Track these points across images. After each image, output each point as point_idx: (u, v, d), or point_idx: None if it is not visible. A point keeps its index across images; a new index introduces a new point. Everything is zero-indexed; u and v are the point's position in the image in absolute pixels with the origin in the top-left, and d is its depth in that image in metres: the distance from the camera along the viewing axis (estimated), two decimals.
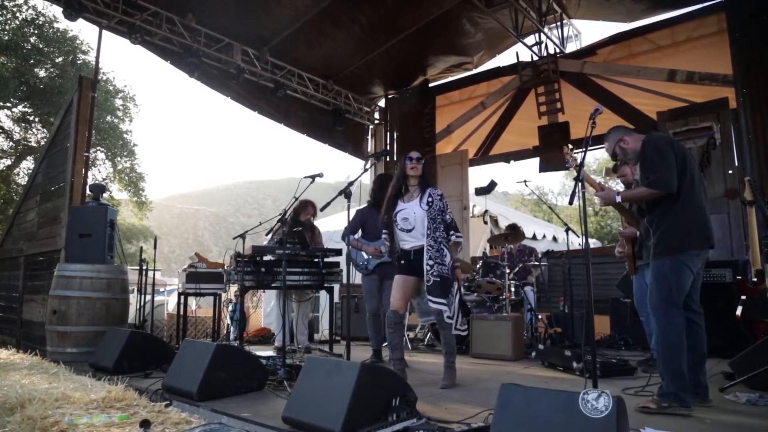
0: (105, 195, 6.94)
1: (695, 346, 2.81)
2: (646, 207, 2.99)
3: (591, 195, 3.10)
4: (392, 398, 2.43)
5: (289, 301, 5.43)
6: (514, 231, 6.43)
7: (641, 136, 3.04)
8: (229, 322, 7.61)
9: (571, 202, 2.83)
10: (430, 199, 3.58)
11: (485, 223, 8.93)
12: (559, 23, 7.84)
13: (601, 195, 3.04)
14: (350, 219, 5.12)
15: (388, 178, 4.69)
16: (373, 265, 4.70)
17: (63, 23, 14.90)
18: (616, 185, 3.84)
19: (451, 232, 3.58)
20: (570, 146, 3.43)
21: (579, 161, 2.86)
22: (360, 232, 4.76)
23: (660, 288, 2.82)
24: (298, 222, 5.47)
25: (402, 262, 3.69)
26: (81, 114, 5.50)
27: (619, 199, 2.96)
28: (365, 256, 4.71)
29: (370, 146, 9.71)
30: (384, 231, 3.80)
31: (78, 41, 15.32)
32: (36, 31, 14.46)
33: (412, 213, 3.61)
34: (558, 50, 7.75)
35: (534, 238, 9.66)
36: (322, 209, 3.84)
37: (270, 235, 5.01)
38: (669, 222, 2.84)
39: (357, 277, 6.56)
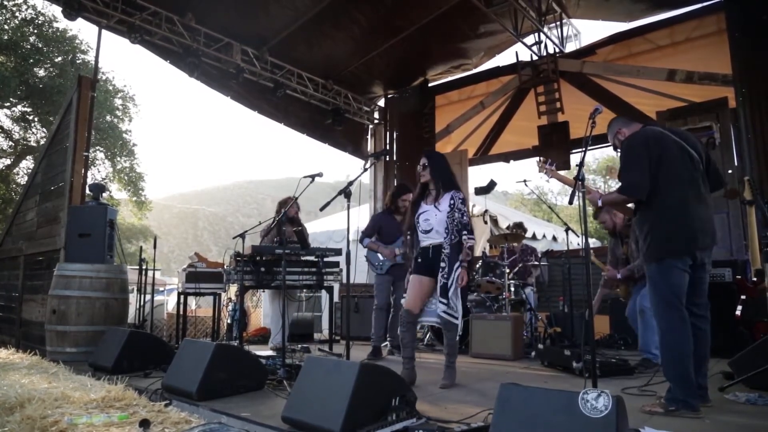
0: (104, 195, 6.94)
1: (695, 349, 2.74)
2: (634, 209, 2.96)
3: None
4: (392, 398, 2.42)
5: (277, 300, 5.42)
6: (521, 229, 6.45)
7: (638, 126, 3.02)
8: (229, 321, 7.60)
9: (570, 202, 2.82)
10: (452, 202, 3.61)
11: (485, 222, 8.93)
12: (558, 23, 7.84)
13: (588, 198, 3.03)
14: (368, 223, 5.29)
15: (405, 187, 5.12)
16: (387, 267, 5.00)
17: (62, 23, 14.92)
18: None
19: (464, 233, 3.59)
20: (542, 159, 3.48)
21: (579, 161, 2.85)
22: (376, 235, 5.08)
23: (655, 292, 2.80)
24: (289, 219, 5.44)
25: (419, 260, 3.70)
26: (80, 114, 5.50)
27: (600, 203, 2.95)
28: (380, 258, 5.02)
29: (370, 146, 9.71)
30: (408, 232, 3.85)
31: (77, 41, 15.35)
32: (35, 31, 14.46)
33: (433, 215, 3.65)
34: (557, 50, 7.76)
35: (534, 237, 9.66)
36: (321, 209, 3.84)
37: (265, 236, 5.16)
38: (648, 227, 2.81)
39: (358, 277, 6.61)
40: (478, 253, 8.51)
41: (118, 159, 17.44)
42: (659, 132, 2.92)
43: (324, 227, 9.93)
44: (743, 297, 4.20)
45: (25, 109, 15.56)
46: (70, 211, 5.24)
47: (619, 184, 2.88)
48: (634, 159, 2.79)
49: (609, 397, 1.77)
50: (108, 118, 16.29)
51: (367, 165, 9.47)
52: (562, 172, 3.97)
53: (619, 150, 3.11)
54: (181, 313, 5.63)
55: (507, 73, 8.37)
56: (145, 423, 2.43)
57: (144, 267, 5.83)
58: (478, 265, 6.19)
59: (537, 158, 3.51)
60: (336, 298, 6.38)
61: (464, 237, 3.57)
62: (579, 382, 3.40)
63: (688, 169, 2.83)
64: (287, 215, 5.19)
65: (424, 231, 3.68)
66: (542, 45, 7.67)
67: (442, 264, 3.52)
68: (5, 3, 13.70)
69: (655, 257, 2.77)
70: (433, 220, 3.63)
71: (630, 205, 3.20)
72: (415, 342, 3.80)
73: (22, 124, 15.94)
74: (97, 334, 4.61)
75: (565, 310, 5.73)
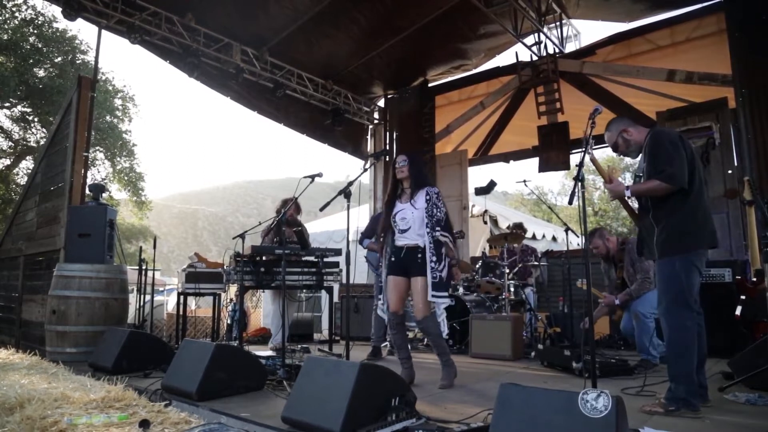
0: (104, 195, 6.93)
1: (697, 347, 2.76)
2: (652, 203, 2.89)
3: (593, 191, 3.06)
4: (391, 398, 2.43)
5: (279, 300, 5.42)
6: (521, 229, 6.45)
7: (645, 129, 3.01)
8: (228, 321, 7.60)
9: (570, 202, 2.81)
10: (428, 197, 3.61)
11: (485, 223, 8.93)
12: (558, 23, 7.84)
13: (610, 187, 2.97)
14: (367, 224, 5.28)
15: None
16: None
17: (62, 23, 14.91)
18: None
19: (437, 229, 3.57)
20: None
21: (579, 161, 2.84)
22: (375, 237, 5.01)
23: (670, 289, 2.78)
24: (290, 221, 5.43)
25: (392, 258, 3.69)
26: (80, 114, 5.50)
27: (628, 193, 2.89)
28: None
29: (370, 146, 9.71)
30: (381, 234, 3.82)
31: (77, 41, 15.33)
32: (35, 31, 14.45)
33: (409, 213, 3.63)
34: (557, 50, 7.75)
35: (534, 237, 9.67)
36: (321, 209, 3.84)
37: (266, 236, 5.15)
38: (678, 219, 2.79)
39: (357, 278, 6.58)
40: (478, 253, 8.52)
41: (118, 159, 17.43)
42: (682, 135, 2.96)
43: (324, 227, 9.93)
44: (743, 297, 4.20)
45: (25, 109, 15.55)
46: (69, 211, 5.24)
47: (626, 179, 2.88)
48: (676, 152, 2.79)
49: (609, 397, 1.77)
50: (108, 118, 16.27)
51: (367, 165, 9.47)
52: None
53: (619, 149, 3.09)
54: (181, 313, 5.63)
55: (507, 74, 8.37)
56: (144, 423, 2.43)
57: (144, 267, 5.83)
58: (477, 266, 6.20)
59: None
60: (336, 299, 6.38)
61: (437, 233, 3.55)
62: (579, 382, 3.40)
63: (702, 173, 2.89)
64: (286, 216, 5.18)
65: (402, 230, 3.65)
66: (542, 45, 7.67)
67: (434, 259, 3.49)
68: (5, 3, 13.69)
69: (681, 250, 2.76)
70: (410, 219, 3.62)
71: (633, 204, 3.18)
72: (407, 342, 3.81)
73: (22, 124, 15.94)
74: (96, 335, 4.60)
75: (564, 311, 5.73)
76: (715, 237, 2.84)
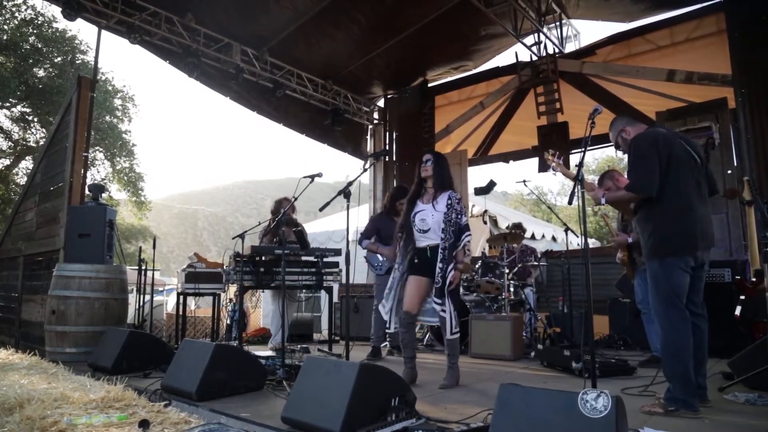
0: (104, 195, 6.93)
1: (695, 348, 2.74)
2: (634, 207, 2.96)
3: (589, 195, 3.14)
4: (391, 398, 2.42)
5: (279, 300, 5.41)
6: (520, 229, 6.45)
7: (643, 126, 3.03)
8: (228, 322, 7.60)
9: (570, 202, 2.83)
10: (449, 202, 3.61)
11: (485, 223, 8.93)
12: (558, 23, 7.84)
13: (590, 195, 3.04)
14: (366, 225, 5.27)
15: (403, 189, 5.04)
16: (387, 267, 4.94)
17: (62, 23, 14.92)
18: None
19: (463, 236, 3.58)
20: (551, 151, 3.45)
21: (579, 161, 2.85)
22: (374, 237, 5.05)
23: (657, 291, 2.80)
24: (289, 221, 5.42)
25: (416, 261, 3.67)
26: (80, 114, 5.50)
27: (603, 201, 2.96)
28: (380, 259, 5.00)
29: (370, 146, 9.71)
30: (399, 232, 3.79)
31: (77, 41, 15.35)
32: (35, 31, 14.46)
33: (429, 215, 3.63)
34: (557, 50, 7.76)
35: (533, 237, 9.67)
36: (321, 209, 3.84)
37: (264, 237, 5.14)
38: (652, 226, 2.81)
39: (357, 278, 6.58)
40: (477, 253, 8.51)
41: (118, 159, 17.45)
42: (668, 133, 2.94)
43: (323, 227, 9.93)
44: (742, 297, 4.20)
45: (25, 109, 15.56)
46: (69, 211, 5.24)
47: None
48: (645, 157, 2.78)
49: (608, 397, 1.77)
50: (107, 118, 16.29)
51: (367, 165, 9.47)
52: None
53: (621, 149, 3.11)
54: (181, 313, 5.63)
55: (507, 74, 8.37)
56: (144, 423, 2.43)
57: (143, 267, 5.83)
58: (477, 266, 6.20)
59: (547, 150, 3.46)
60: (335, 299, 6.38)
61: (465, 238, 3.58)
62: (578, 382, 3.40)
63: (693, 171, 2.86)
64: (286, 216, 5.16)
65: (422, 231, 3.65)
66: (542, 45, 7.67)
67: (440, 265, 3.51)
68: (5, 3, 13.70)
69: (659, 255, 2.77)
70: (430, 220, 3.62)
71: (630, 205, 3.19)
72: (415, 341, 3.81)
73: (22, 124, 15.95)
74: (96, 335, 4.60)
75: (564, 311, 5.73)
76: (696, 242, 2.75)
